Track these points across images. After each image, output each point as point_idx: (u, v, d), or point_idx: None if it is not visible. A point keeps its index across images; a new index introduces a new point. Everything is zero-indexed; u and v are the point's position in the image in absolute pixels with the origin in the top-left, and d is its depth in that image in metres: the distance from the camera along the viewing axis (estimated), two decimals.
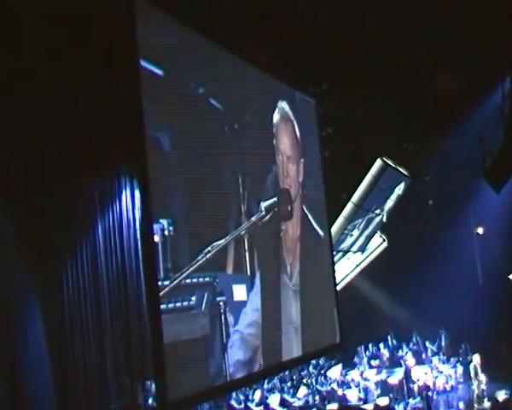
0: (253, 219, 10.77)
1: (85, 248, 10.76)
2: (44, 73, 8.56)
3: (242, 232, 10.39)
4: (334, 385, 14.33)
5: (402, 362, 15.63)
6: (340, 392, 13.98)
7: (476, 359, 14.78)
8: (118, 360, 10.88)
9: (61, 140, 9.40)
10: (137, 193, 9.90)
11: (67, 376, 10.11)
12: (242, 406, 12.01)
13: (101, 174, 10.61)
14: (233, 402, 11.84)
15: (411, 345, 16.79)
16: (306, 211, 12.84)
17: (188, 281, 8.93)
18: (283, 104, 12.41)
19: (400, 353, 16.45)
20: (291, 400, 13.14)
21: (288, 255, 12.09)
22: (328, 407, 13.09)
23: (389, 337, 17.05)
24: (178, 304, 8.71)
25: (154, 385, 10.04)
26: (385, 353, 16.57)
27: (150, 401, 10.76)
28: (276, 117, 12.12)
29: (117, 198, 10.92)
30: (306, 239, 12.75)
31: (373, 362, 16.20)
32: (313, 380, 14.29)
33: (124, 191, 10.89)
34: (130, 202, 10.81)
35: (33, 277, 9.69)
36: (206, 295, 9.23)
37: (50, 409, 9.59)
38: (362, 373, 15.16)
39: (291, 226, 12.19)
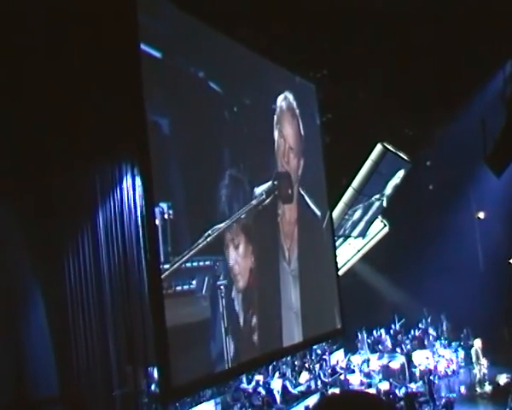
0: (254, 202, 10.77)
1: (87, 235, 10.75)
2: (46, 62, 8.54)
3: (243, 216, 10.39)
4: (337, 370, 14.36)
5: (403, 347, 15.67)
6: (342, 377, 14.02)
7: (477, 343, 14.84)
8: (120, 347, 10.89)
9: (63, 128, 9.39)
10: (138, 179, 9.88)
11: (70, 362, 10.12)
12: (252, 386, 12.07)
13: (103, 161, 10.60)
14: (244, 385, 11.93)
15: (414, 330, 16.82)
16: (304, 194, 12.82)
17: (188, 265, 8.94)
18: (289, 95, 12.41)
19: (402, 338, 16.48)
20: (293, 386, 13.16)
21: (286, 240, 12.09)
22: (330, 391, 13.10)
23: (392, 324, 17.08)
24: (179, 288, 8.72)
25: (156, 371, 10.06)
26: (387, 338, 16.60)
27: (153, 387, 10.76)
28: (281, 103, 12.12)
29: (118, 185, 10.91)
30: (304, 223, 12.75)
31: (374, 347, 16.24)
32: (315, 365, 14.32)
33: (125, 178, 10.87)
34: (131, 188, 10.79)
35: (35, 264, 9.70)
36: (206, 279, 9.24)
37: (54, 397, 9.62)
38: (364, 358, 15.20)
39: (288, 210, 12.18)
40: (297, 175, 12.60)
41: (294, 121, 12.64)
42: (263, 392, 12.07)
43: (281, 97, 12.18)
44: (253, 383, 12.24)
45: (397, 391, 13.23)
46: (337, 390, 13.00)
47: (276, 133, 11.94)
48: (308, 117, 13.38)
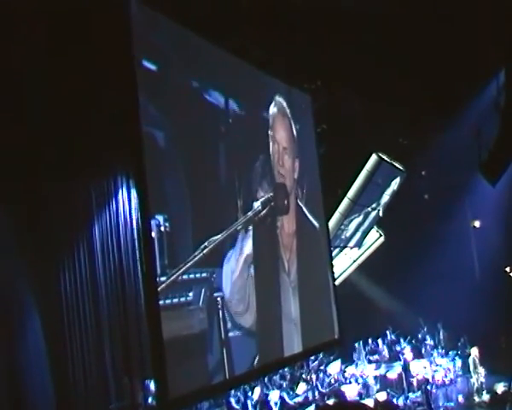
0: (250, 214, 10.77)
1: (83, 247, 10.72)
2: (40, 74, 8.55)
3: (239, 227, 10.39)
4: (334, 381, 14.32)
5: (400, 356, 15.64)
6: (339, 388, 13.97)
7: (475, 352, 14.83)
8: (117, 360, 10.84)
9: (57, 140, 9.39)
10: (134, 191, 9.88)
11: (66, 376, 10.07)
12: (240, 407, 11.94)
13: (98, 174, 10.59)
14: (232, 399, 11.81)
15: (412, 339, 16.76)
16: (301, 205, 12.84)
17: (185, 277, 8.93)
18: (280, 99, 12.45)
19: (399, 348, 16.43)
20: (290, 397, 13.12)
21: (285, 252, 12.09)
22: (328, 402, 13.04)
23: (388, 332, 17.05)
24: (176, 300, 8.72)
25: (153, 384, 10.01)
26: (383, 348, 16.56)
27: (150, 400, 10.71)
28: (272, 109, 12.16)
29: (113, 197, 10.90)
30: (303, 234, 12.77)
31: (371, 357, 16.20)
32: (313, 376, 14.27)
33: (120, 190, 10.86)
34: (126, 201, 10.78)
35: (31, 277, 9.66)
36: (203, 291, 9.23)
37: (50, 409, 9.57)
38: (361, 369, 15.15)
39: (286, 222, 12.19)
40: (293, 179, 12.61)
41: (286, 122, 12.66)
42: None
43: (272, 104, 12.22)
44: (256, 396, 12.16)
45: (395, 401, 13.22)
46: (331, 402, 12.97)
47: (270, 141, 11.97)
48: (304, 127, 13.41)
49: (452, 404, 13.88)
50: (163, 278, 8.51)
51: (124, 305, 10.72)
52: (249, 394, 12.18)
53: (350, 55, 12.24)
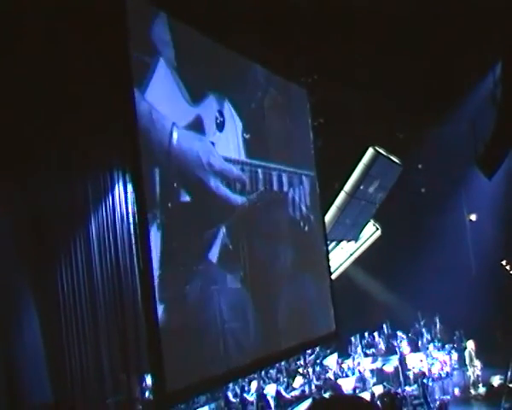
0: (247, 205, 10.79)
1: (79, 242, 10.72)
2: (36, 70, 8.53)
3: (236, 219, 10.41)
4: (330, 374, 14.34)
5: (397, 350, 15.67)
6: (335, 381, 14.00)
7: (471, 345, 14.86)
8: (113, 355, 10.85)
9: (54, 137, 9.38)
10: (130, 185, 9.87)
11: (64, 371, 10.08)
12: (238, 400, 11.96)
13: (95, 169, 10.59)
14: (229, 393, 11.83)
15: (409, 333, 16.80)
16: (297, 198, 12.85)
17: (181, 269, 8.95)
18: (276, 92, 12.45)
19: (395, 341, 16.47)
20: (287, 391, 13.14)
21: (281, 244, 12.12)
22: (324, 396, 13.06)
23: (384, 326, 17.09)
24: (172, 293, 8.72)
25: (150, 378, 10.03)
26: (380, 341, 16.60)
27: (147, 394, 10.73)
28: (268, 102, 12.15)
29: (110, 192, 10.89)
30: (298, 227, 12.84)
31: (368, 351, 16.23)
32: (309, 370, 14.30)
33: (117, 185, 10.86)
34: (123, 195, 10.78)
35: (29, 273, 9.66)
36: (200, 284, 9.24)
37: (48, 405, 9.58)
38: (358, 362, 15.19)
39: (282, 214, 12.23)
40: (289, 172, 12.62)
41: (281, 115, 12.67)
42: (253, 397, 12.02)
43: (267, 97, 12.21)
44: (253, 390, 12.18)
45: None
46: (327, 395, 13.00)
47: (266, 132, 11.97)
48: (300, 120, 13.41)
49: (448, 397, 13.90)
50: (160, 272, 8.50)
51: (120, 299, 10.73)
52: (246, 388, 12.20)
53: (347, 49, 12.22)
